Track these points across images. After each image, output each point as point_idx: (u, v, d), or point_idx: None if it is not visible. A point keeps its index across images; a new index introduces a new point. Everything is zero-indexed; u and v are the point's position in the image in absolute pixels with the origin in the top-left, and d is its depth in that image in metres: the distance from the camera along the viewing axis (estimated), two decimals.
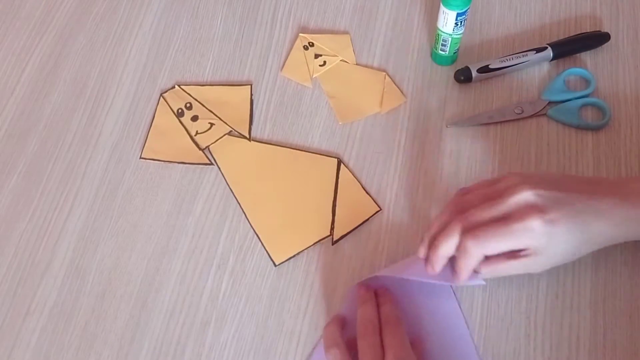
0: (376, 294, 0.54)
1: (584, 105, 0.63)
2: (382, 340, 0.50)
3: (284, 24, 0.71)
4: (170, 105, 0.66)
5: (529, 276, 0.55)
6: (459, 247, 0.49)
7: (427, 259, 0.51)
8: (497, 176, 0.53)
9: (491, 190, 0.50)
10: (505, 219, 0.48)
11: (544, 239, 0.48)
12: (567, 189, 0.50)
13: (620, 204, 0.49)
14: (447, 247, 0.49)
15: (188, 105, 0.66)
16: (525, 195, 0.48)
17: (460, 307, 0.54)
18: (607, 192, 0.50)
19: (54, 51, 0.70)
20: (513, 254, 0.49)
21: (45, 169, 0.63)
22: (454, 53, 0.65)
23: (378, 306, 0.53)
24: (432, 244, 0.50)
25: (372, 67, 0.67)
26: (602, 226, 0.49)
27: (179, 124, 0.65)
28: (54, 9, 0.73)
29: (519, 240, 0.48)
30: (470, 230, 0.48)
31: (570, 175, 0.58)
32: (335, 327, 0.52)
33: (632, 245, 0.54)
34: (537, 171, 0.60)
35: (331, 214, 0.59)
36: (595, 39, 0.66)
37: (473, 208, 0.49)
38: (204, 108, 0.66)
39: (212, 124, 0.65)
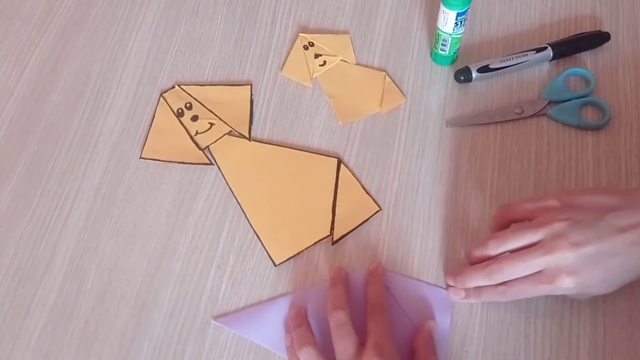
0: (368, 272, 0.55)
1: (584, 105, 0.63)
2: (366, 323, 0.50)
3: (284, 24, 0.71)
4: (170, 105, 0.66)
5: None
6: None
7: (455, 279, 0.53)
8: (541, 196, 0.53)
9: (528, 231, 0.50)
10: (536, 273, 0.49)
11: (579, 291, 0.49)
12: (607, 221, 0.48)
13: None
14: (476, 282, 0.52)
15: (188, 105, 0.66)
16: (558, 256, 0.48)
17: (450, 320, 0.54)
18: None
19: (54, 51, 0.70)
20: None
21: (45, 168, 0.63)
22: (454, 53, 0.65)
23: (366, 284, 0.53)
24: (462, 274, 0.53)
25: (372, 67, 0.67)
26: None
27: (179, 123, 0.65)
28: (54, 8, 0.73)
29: (551, 292, 0.49)
30: (506, 285, 0.50)
31: (608, 190, 0.53)
32: (342, 289, 0.52)
33: None
34: (581, 194, 0.52)
35: (331, 214, 0.59)
36: (595, 39, 0.66)
37: (506, 260, 0.50)
38: (204, 108, 0.66)
39: (212, 124, 0.65)
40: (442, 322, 0.53)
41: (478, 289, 0.52)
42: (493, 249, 0.51)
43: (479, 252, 0.52)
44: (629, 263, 0.48)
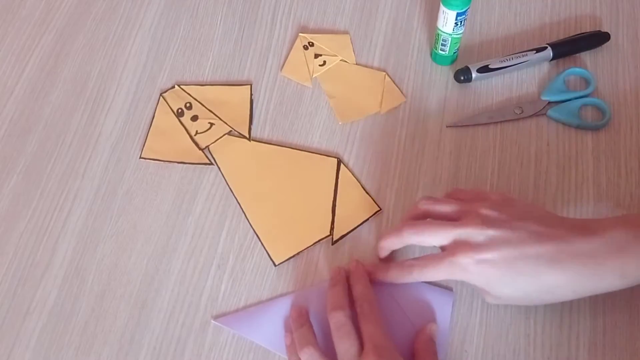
0: (349, 272, 0.55)
1: (584, 105, 0.63)
2: (358, 326, 0.49)
3: (283, 24, 0.71)
4: (170, 105, 0.66)
5: None
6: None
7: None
8: (476, 191, 0.54)
9: (452, 210, 0.51)
10: (443, 250, 0.50)
11: (480, 279, 0.49)
12: (527, 228, 0.48)
13: (586, 256, 0.46)
14: (391, 242, 0.53)
15: (188, 105, 0.66)
16: (469, 231, 0.48)
17: (450, 319, 0.54)
18: (576, 238, 0.47)
19: (54, 51, 0.70)
20: None
21: (45, 168, 0.63)
22: (454, 53, 0.65)
23: (350, 286, 0.53)
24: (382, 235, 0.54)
25: (372, 67, 0.67)
26: (557, 279, 0.47)
27: (179, 123, 0.65)
28: (54, 8, 0.73)
29: (453, 274, 0.49)
30: (413, 260, 0.52)
31: (549, 215, 0.51)
32: (342, 290, 0.52)
33: None
34: (514, 200, 0.53)
35: (331, 214, 0.59)
36: (595, 39, 0.66)
37: (428, 223, 0.51)
38: (203, 108, 0.66)
39: (212, 124, 0.65)
40: (441, 322, 0.53)
41: (387, 266, 0.53)
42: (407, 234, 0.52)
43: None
44: (535, 273, 0.47)
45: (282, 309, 0.54)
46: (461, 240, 0.48)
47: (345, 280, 0.54)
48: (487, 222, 0.48)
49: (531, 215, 0.50)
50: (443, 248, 0.50)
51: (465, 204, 0.51)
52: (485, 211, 0.49)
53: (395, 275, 0.53)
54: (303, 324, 0.52)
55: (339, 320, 0.49)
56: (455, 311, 0.54)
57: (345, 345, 0.48)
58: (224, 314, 0.55)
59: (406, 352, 0.51)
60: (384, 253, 0.55)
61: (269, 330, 0.53)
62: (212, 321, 0.55)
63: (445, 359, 0.52)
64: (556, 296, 0.49)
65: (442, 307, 0.54)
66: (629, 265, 0.47)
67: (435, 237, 0.50)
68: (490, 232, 0.48)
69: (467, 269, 0.48)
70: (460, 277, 0.49)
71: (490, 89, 0.65)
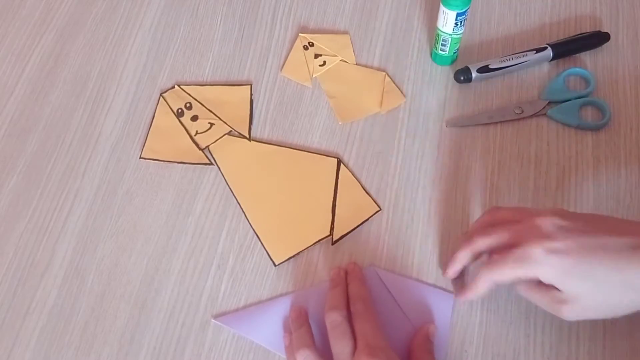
0: (346, 272, 0.55)
1: (584, 105, 0.63)
2: (352, 325, 0.49)
3: (283, 24, 0.70)
4: (170, 105, 0.66)
5: None
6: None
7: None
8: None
9: (520, 213, 0.48)
10: (510, 245, 0.46)
11: (552, 272, 0.44)
12: (602, 224, 0.45)
13: None
14: (459, 261, 0.51)
15: (188, 105, 0.66)
16: (540, 221, 0.45)
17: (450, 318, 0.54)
18: None
19: (54, 51, 0.70)
20: (546, 287, 0.45)
21: (45, 168, 0.63)
22: (454, 53, 0.65)
23: (347, 285, 0.53)
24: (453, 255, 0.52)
25: (372, 67, 0.67)
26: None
27: (179, 123, 0.65)
28: (54, 8, 0.73)
29: (520, 267, 0.45)
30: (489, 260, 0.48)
31: (619, 219, 0.50)
32: (341, 291, 0.52)
33: None
34: (585, 214, 0.49)
35: (331, 214, 0.59)
36: (595, 39, 0.66)
37: (490, 231, 0.48)
38: (203, 108, 0.66)
39: (212, 124, 0.65)
40: (441, 322, 0.53)
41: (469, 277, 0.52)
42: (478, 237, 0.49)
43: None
44: (616, 263, 0.43)
45: (281, 309, 0.54)
46: (535, 230, 0.44)
47: (344, 282, 0.54)
48: (558, 214, 0.45)
49: (600, 217, 0.47)
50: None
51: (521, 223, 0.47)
52: (550, 217, 0.45)
53: (479, 279, 0.49)
54: (302, 325, 0.52)
55: (334, 320, 0.49)
56: (455, 311, 0.54)
57: (340, 345, 0.48)
58: (223, 314, 0.55)
59: (404, 351, 0.51)
60: (454, 268, 0.52)
61: (268, 330, 0.53)
62: (212, 320, 0.55)
63: (445, 358, 0.52)
64: None
65: (442, 309, 0.54)
66: None
67: (504, 234, 0.46)
68: (563, 223, 0.44)
69: (537, 259, 0.44)
70: (529, 271, 0.44)
71: (490, 89, 0.65)
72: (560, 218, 0.45)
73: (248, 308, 0.55)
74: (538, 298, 0.47)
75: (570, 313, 0.45)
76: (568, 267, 0.43)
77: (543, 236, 0.44)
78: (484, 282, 0.48)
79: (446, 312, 0.53)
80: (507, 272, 0.46)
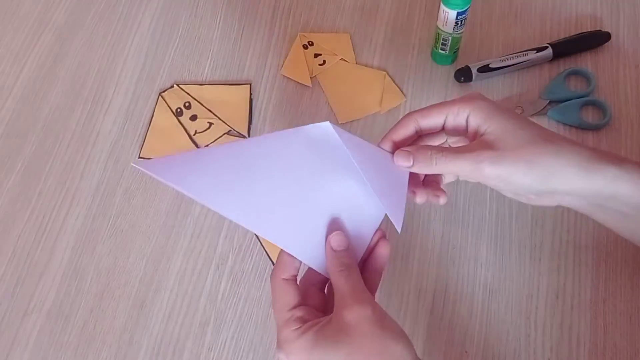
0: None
1: (585, 104, 0.63)
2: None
3: (283, 23, 0.70)
4: (169, 104, 0.66)
5: (529, 276, 0.55)
6: None
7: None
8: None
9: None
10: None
11: (485, 105, 0.45)
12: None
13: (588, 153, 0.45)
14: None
15: (187, 104, 0.66)
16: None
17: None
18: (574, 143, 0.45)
19: (53, 50, 0.70)
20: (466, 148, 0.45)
21: (44, 168, 0.63)
22: (454, 52, 0.65)
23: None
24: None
25: (372, 67, 0.67)
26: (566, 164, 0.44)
27: (178, 123, 0.65)
28: (53, 7, 0.73)
29: (455, 105, 0.45)
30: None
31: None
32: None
33: (632, 246, 0.54)
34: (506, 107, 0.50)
35: None
36: (596, 39, 0.66)
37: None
38: (203, 107, 0.66)
39: (211, 124, 0.65)
40: (398, 185, 0.46)
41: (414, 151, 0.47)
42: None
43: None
44: (544, 134, 0.44)
45: (225, 156, 0.43)
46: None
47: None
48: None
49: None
50: None
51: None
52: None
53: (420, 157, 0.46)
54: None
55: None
56: (456, 312, 0.54)
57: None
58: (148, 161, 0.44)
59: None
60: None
61: (207, 180, 0.42)
62: (132, 164, 0.48)
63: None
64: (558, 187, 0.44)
65: (398, 174, 0.47)
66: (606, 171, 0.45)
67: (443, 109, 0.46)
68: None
69: (472, 95, 0.45)
70: (461, 107, 0.45)
71: (491, 89, 0.65)
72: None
73: (181, 153, 0.43)
74: (460, 162, 0.45)
75: (491, 168, 0.43)
76: (497, 107, 0.45)
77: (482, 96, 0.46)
78: (408, 120, 0.46)
79: (402, 177, 0.47)
80: (433, 113, 0.46)
